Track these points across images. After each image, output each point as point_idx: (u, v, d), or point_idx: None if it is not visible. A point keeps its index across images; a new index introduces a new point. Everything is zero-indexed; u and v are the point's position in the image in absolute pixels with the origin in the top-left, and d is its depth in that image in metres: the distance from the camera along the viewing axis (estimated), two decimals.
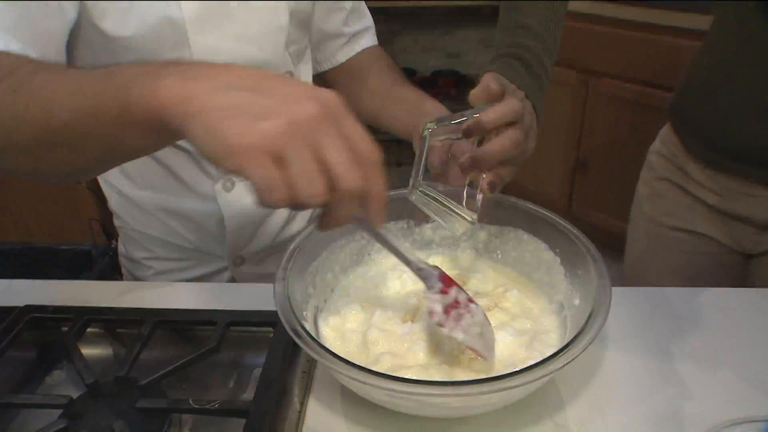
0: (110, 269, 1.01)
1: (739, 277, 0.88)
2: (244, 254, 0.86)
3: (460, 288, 0.54)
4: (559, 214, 0.63)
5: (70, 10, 0.61)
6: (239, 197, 0.79)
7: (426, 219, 0.69)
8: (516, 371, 0.44)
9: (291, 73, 0.78)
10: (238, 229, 0.82)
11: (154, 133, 0.41)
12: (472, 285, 0.63)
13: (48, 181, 0.54)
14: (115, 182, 0.82)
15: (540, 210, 0.63)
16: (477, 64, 2.69)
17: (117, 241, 0.91)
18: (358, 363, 0.46)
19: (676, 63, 1.62)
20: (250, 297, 0.69)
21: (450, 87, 2.63)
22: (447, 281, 0.53)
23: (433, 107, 0.72)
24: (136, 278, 0.89)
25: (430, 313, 0.52)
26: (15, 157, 0.49)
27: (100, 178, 0.85)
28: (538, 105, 0.63)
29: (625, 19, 1.78)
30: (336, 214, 0.40)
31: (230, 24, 0.68)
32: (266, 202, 0.37)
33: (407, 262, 0.52)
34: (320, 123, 0.37)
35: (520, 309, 0.59)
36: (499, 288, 0.61)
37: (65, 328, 0.65)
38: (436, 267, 0.54)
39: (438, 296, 0.52)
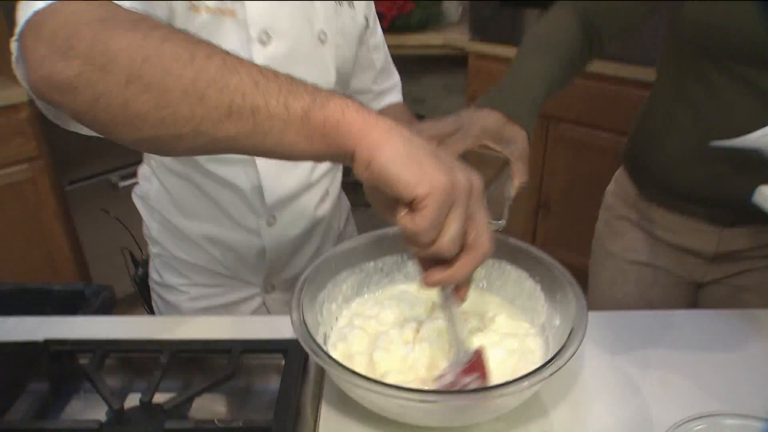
0: (105, 308, 1.04)
1: (690, 303, 0.97)
2: (275, 282, 0.92)
3: (480, 376, 0.56)
4: None
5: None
6: (280, 232, 0.85)
7: None
8: (511, 380, 0.52)
9: None
10: (276, 260, 0.88)
11: (322, 141, 0.44)
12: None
13: (127, 133, 0.48)
14: (162, 210, 0.87)
15: (520, 243, 0.71)
16: (441, 108, 2.83)
17: (142, 268, 0.95)
18: None
19: (627, 109, 1.77)
20: (260, 328, 0.76)
21: None
22: (473, 369, 0.56)
23: None
24: (169, 304, 0.93)
25: (441, 375, 0.57)
26: (145, 94, 0.45)
27: (143, 209, 0.91)
28: (524, 123, 0.73)
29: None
30: (456, 271, 0.48)
31: None
32: (418, 232, 0.43)
33: (457, 340, 0.57)
34: (480, 193, 0.46)
35: (508, 331, 0.67)
36: (489, 313, 0.69)
37: (84, 361, 0.69)
38: (478, 352, 0.57)
39: (456, 371, 0.56)
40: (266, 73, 0.46)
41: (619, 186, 0.99)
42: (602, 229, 1.03)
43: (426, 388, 0.57)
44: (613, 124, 1.92)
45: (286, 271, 0.92)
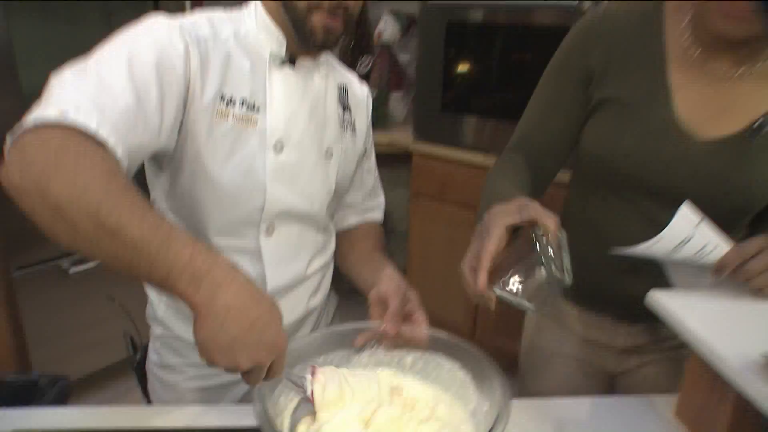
0: (60, 398, 1.04)
1: (606, 390, 1.08)
2: None
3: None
4: (466, 338, 0.81)
5: (160, 144, 0.76)
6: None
7: (362, 347, 0.85)
8: None
9: (327, 227, 1.00)
10: None
11: (171, 297, 0.58)
12: (408, 393, 0.79)
13: (50, 237, 0.61)
14: None
15: (453, 338, 0.81)
16: (388, 199, 3.00)
17: (140, 351, 1.01)
18: None
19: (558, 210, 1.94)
20: (230, 416, 0.81)
21: None
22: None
23: (390, 272, 0.91)
24: (166, 384, 0.98)
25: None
26: (63, 225, 0.59)
27: (152, 292, 0.96)
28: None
29: None
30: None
31: (296, 182, 0.88)
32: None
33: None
34: (260, 371, 0.63)
35: (445, 420, 0.74)
36: (431, 402, 0.77)
37: None
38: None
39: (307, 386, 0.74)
40: (151, 232, 0.59)
41: None
42: (529, 325, 1.15)
43: None
44: None
45: None
